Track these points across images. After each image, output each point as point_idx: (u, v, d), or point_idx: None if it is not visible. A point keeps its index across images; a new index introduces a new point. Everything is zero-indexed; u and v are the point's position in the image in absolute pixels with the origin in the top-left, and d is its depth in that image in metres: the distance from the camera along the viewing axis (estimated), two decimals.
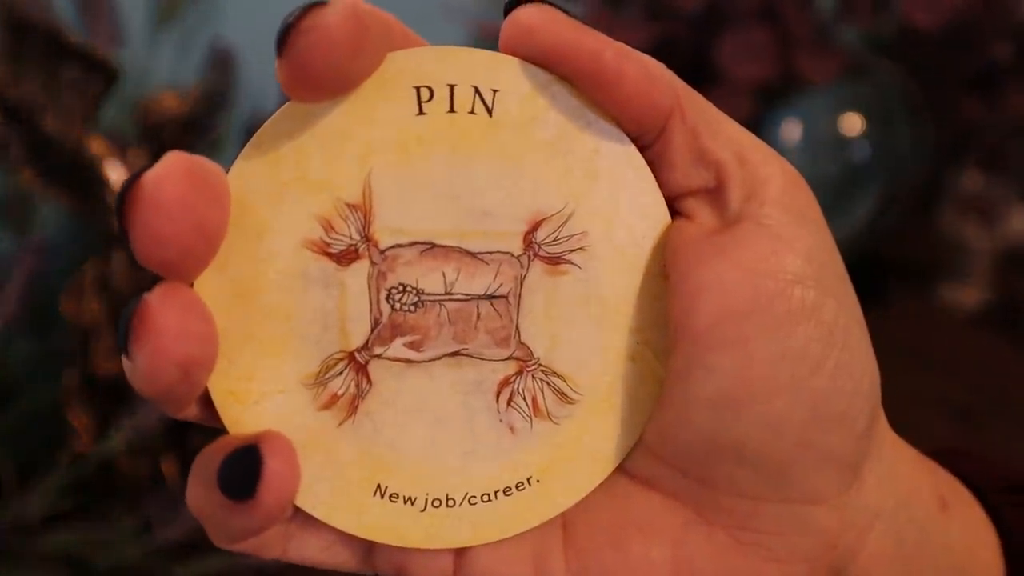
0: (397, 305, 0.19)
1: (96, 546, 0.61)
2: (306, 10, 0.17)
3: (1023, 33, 0.82)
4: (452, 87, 0.19)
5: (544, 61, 0.19)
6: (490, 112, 0.19)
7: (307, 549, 0.20)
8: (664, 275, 0.20)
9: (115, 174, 0.64)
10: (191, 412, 0.20)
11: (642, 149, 0.20)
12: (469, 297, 0.20)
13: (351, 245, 0.19)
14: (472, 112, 0.19)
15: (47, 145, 0.61)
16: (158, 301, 0.17)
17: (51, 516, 0.61)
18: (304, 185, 0.19)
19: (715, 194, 0.20)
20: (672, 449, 0.20)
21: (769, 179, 0.19)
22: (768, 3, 0.79)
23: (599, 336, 0.20)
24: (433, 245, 0.19)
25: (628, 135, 0.20)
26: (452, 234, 0.19)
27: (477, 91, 0.19)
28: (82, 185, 0.63)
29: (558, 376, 0.20)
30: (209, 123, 0.72)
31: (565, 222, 0.20)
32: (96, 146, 0.64)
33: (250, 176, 0.19)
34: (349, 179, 0.19)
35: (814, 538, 0.20)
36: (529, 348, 0.20)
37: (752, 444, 0.19)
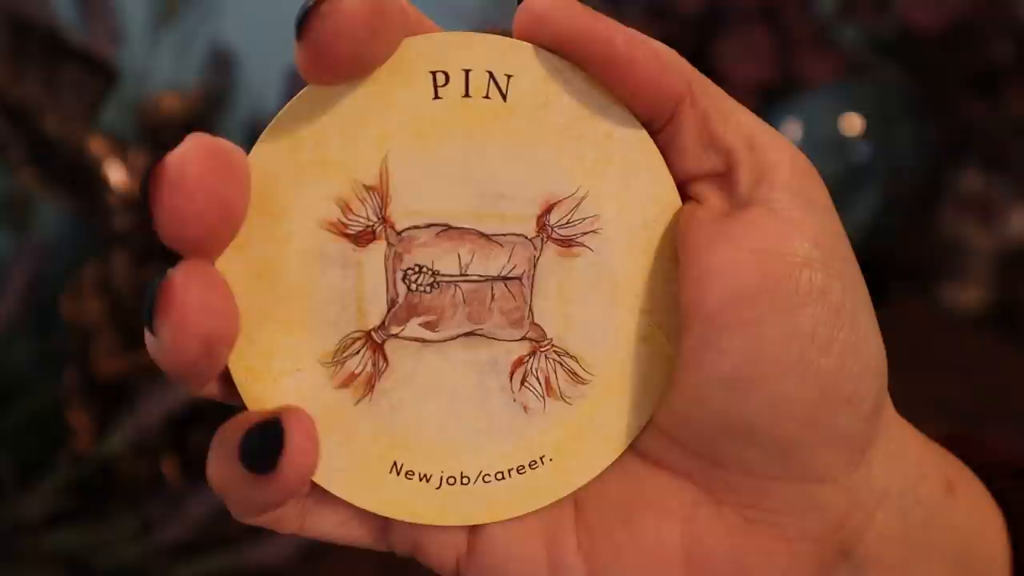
0: (413, 286, 0.20)
1: (96, 546, 0.61)
2: None
3: (1023, 33, 0.82)
4: (467, 72, 0.19)
5: (556, 47, 0.19)
6: (504, 96, 0.19)
7: (323, 524, 0.21)
8: (675, 258, 0.20)
9: (115, 174, 0.64)
10: (212, 389, 0.20)
11: (653, 133, 0.20)
12: (484, 278, 0.20)
13: (368, 226, 0.19)
14: (487, 97, 0.19)
15: (47, 145, 0.61)
16: (181, 277, 0.18)
17: (51, 516, 0.61)
18: (322, 167, 0.19)
19: (724, 178, 0.20)
20: (683, 429, 0.20)
21: (778, 164, 0.20)
22: (768, 3, 0.79)
23: (611, 317, 0.20)
24: (448, 227, 0.20)
25: (639, 120, 0.20)
26: (467, 216, 0.20)
27: (491, 76, 0.19)
28: (82, 185, 0.63)
29: (571, 357, 0.20)
30: (209, 123, 0.72)
31: (578, 205, 0.20)
32: (96, 146, 0.64)
33: (270, 158, 0.19)
34: (367, 161, 0.19)
35: (822, 517, 0.20)
36: (542, 329, 0.20)
37: (761, 423, 0.19)
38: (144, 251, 0.65)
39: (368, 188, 0.19)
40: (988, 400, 0.74)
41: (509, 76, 0.19)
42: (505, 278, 0.20)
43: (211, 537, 0.62)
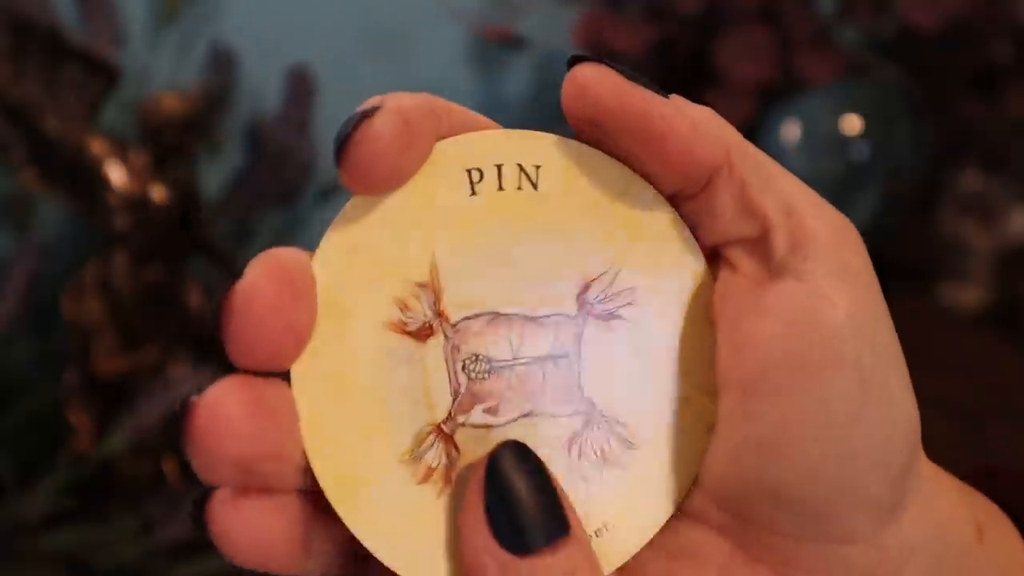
0: (472, 374, 0.21)
1: (96, 546, 0.61)
2: (358, 123, 0.19)
3: (1023, 33, 0.82)
4: (499, 167, 0.21)
5: (597, 117, 0.20)
6: (535, 186, 0.21)
7: None
8: (709, 321, 0.21)
9: (115, 174, 0.64)
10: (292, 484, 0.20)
11: (687, 199, 0.21)
12: (534, 359, 0.21)
13: (426, 322, 0.21)
14: (519, 188, 0.21)
15: (47, 145, 0.61)
16: (212, 396, 0.18)
17: (51, 516, 0.62)
18: (378, 269, 0.20)
19: (759, 244, 0.21)
20: (719, 488, 0.21)
21: (815, 232, 0.20)
22: (768, 3, 0.79)
23: (653, 383, 0.21)
24: (498, 314, 0.21)
25: (671, 188, 0.21)
26: (512, 302, 0.21)
27: (521, 168, 0.21)
28: (82, 185, 0.63)
29: (620, 424, 0.21)
30: (209, 123, 0.72)
31: (613, 281, 0.21)
32: (96, 146, 0.64)
33: (330, 267, 0.20)
34: (417, 260, 0.21)
35: (850, 573, 0.21)
36: (592, 401, 0.21)
37: (791, 487, 0.20)
38: (144, 251, 0.66)
39: (421, 285, 0.21)
40: (988, 400, 0.74)
41: (538, 167, 0.21)
42: (554, 357, 0.21)
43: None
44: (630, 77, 0.20)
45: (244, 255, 0.64)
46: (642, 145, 0.20)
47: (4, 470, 0.63)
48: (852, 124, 0.79)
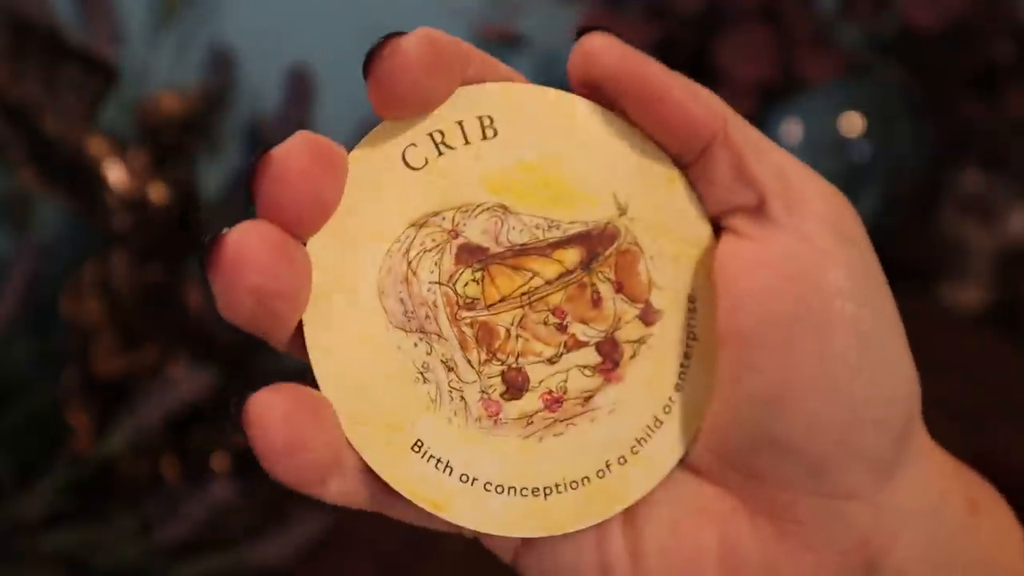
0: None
1: (95, 546, 0.61)
2: (386, 39, 0.19)
3: (1023, 33, 0.82)
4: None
5: (602, 81, 0.21)
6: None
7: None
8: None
9: (114, 174, 0.64)
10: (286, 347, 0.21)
11: (686, 167, 0.22)
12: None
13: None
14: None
15: (47, 145, 0.61)
16: (239, 232, 0.19)
17: (50, 516, 0.62)
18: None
19: (757, 211, 0.21)
20: (722, 443, 0.22)
21: (811, 197, 0.21)
22: (768, 3, 0.79)
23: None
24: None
25: (670, 152, 0.22)
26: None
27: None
28: (81, 185, 0.63)
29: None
30: (209, 123, 0.72)
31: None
32: (96, 146, 0.64)
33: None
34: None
35: (848, 532, 0.21)
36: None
37: (793, 440, 0.20)
38: (144, 251, 0.65)
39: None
40: (988, 400, 0.74)
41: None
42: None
43: (211, 537, 0.62)
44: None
45: None
46: (642, 106, 0.21)
47: (4, 470, 0.63)
48: (852, 124, 0.79)
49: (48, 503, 0.61)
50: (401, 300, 0.21)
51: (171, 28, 0.75)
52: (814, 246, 0.20)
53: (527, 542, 0.22)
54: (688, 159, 0.21)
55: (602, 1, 0.82)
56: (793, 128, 0.79)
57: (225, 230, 0.19)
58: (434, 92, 0.20)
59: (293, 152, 0.19)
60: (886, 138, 0.79)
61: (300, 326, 0.20)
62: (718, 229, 0.22)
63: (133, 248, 0.65)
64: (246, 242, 0.19)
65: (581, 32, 0.21)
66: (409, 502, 0.21)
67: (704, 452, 0.22)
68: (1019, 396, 0.74)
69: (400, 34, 0.20)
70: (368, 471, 0.20)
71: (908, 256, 0.87)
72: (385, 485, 0.20)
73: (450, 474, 0.21)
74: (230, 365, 0.63)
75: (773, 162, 0.21)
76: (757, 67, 0.78)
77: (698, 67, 0.78)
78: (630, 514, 0.22)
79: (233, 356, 0.64)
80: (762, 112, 0.80)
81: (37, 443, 0.66)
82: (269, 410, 0.19)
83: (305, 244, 0.20)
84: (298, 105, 0.72)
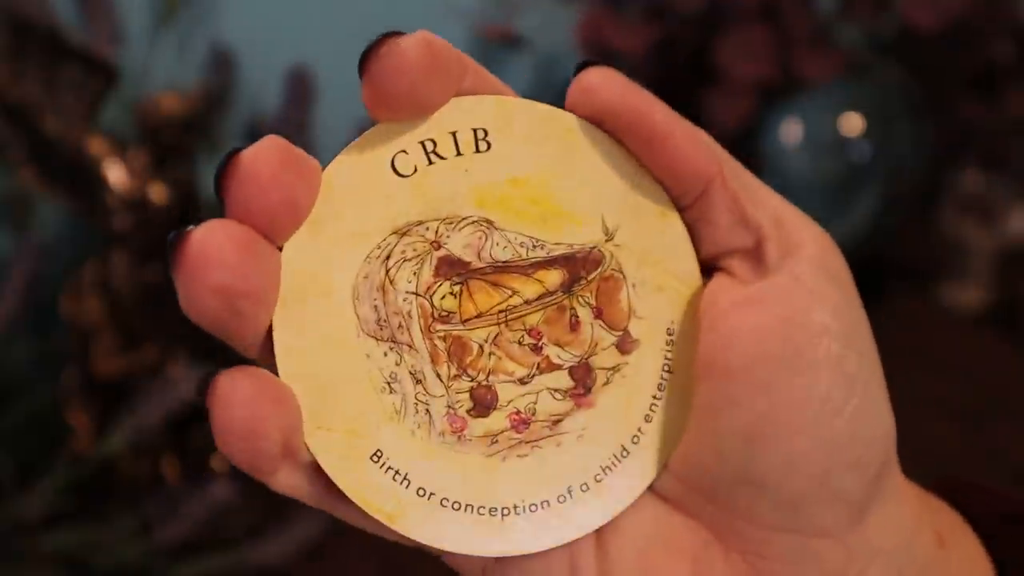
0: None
1: (95, 546, 0.61)
2: (384, 37, 0.19)
3: (1023, 33, 0.82)
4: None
5: (601, 118, 0.21)
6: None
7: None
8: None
9: (115, 174, 0.64)
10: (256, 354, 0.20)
11: (684, 209, 0.22)
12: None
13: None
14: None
15: (47, 145, 0.61)
16: (204, 229, 0.18)
17: (50, 516, 0.62)
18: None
19: (753, 254, 0.21)
20: (700, 476, 0.21)
21: (804, 242, 0.21)
22: (768, 3, 0.79)
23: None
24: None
25: (673, 193, 0.22)
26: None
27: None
28: (81, 185, 0.63)
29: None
30: (209, 123, 0.72)
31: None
32: (96, 146, 0.64)
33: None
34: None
35: (820, 570, 0.21)
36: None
37: (771, 477, 0.21)
38: (143, 251, 0.65)
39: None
40: (988, 400, 0.74)
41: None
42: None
43: (211, 537, 0.62)
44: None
45: None
46: (644, 145, 0.21)
47: (4, 470, 0.63)
48: (852, 124, 0.79)
49: (48, 503, 0.61)
50: (375, 307, 0.20)
51: (171, 28, 0.75)
52: (806, 287, 0.21)
53: (498, 561, 0.22)
54: (685, 201, 0.21)
55: (602, 1, 0.82)
56: (793, 128, 0.79)
57: (191, 227, 0.18)
58: (430, 97, 0.20)
59: (262, 154, 0.19)
60: (886, 138, 0.79)
61: (268, 330, 0.20)
62: (709, 269, 0.22)
63: (133, 248, 0.65)
64: (212, 240, 0.18)
65: (580, 68, 0.21)
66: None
67: (680, 484, 0.22)
68: (1019, 396, 0.74)
69: (399, 34, 0.19)
70: (321, 469, 0.20)
71: (908, 256, 0.87)
72: (335, 485, 0.20)
73: (407, 487, 0.20)
74: (230, 365, 0.63)
75: (769, 206, 0.21)
76: (757, 67, 0.78)
77: (698, 67, 0.78)
78: (602, 541, 0.22)
79: (233, 356, 0.64)
80: (762, 112, 0.80)
81: (37, 443, 0.66)
82: (234, 390, 0.19)
83: (279, 248, 0.20)
84: (298, 105, 0.72)
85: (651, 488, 0.22)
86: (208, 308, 0.19)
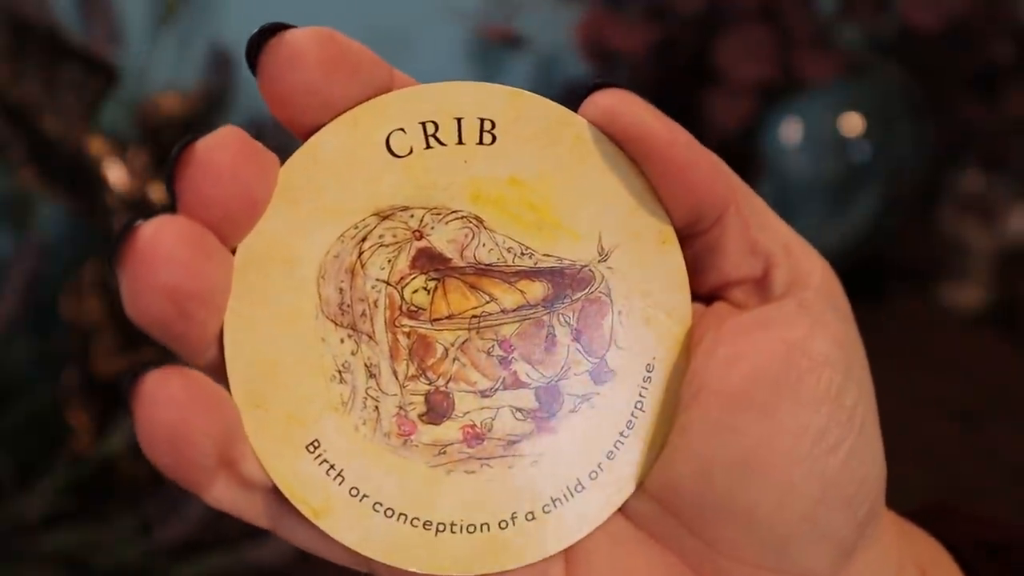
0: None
1: (95, 546, 0.61)
2: (268, 28, 0.18)
3: (1023, 33, 0.82)
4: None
5: (620, 140, 0.20)
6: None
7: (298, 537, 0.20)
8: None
9: (115, 174, 0.64)
10: (205, 361, 0.19)
11: (697, 235, 0.21)
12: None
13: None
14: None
15: (47, 145, 0.61)
16: (155, 225, 0.17)
17: (50, 516, 0.61)
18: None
19: (761, 283, 0.21)
20: (682, 503, 0.20)
21: (811, 271, 0.21)
22: (768, 3, 0.79)
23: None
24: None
25: (682, 220, 0.20)
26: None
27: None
28: (82, 185, 0.63)
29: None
30: (208, 123, 0.72)
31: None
32: (96, 146, 0.64)
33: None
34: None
35: None
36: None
37: (763, 508, 0.20)
38: None
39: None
40: (988, 400, 0.74)
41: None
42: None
43: (211, 537, 0.62)
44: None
45: None
46: (663, 172, 0.20)
47: (4, 470, 0.63)
48: (852, 124, 0.79)
49: (48, 503, 0.61)
50: (340, 290, 0.19)
51: (171, 28, 0.75)
52: (811, 315, 0.20)
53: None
54: (698, 228, 0.21)
55: (602, 1, 0.82)
56: (793, 128, 0.79)
57: (139, 221, 0.17)
58: (339, 92, 0.19)
59: (219, 145, 0.17)
60: (886, 138, 0.79)
61: (218, 339, 0.19)
62: (710, 299, 0.21)
63: None
64: (161, 236, 0.17)
65: (595, 87, 0.20)
66: (305, 526, 0.19)
67: (659, 511, 0.21)
68: (1019, 396, 0.74)
69: (286, 26, 0.18)
70: (266, 486, 0.19)
71: (908, 256, 0.87)
72: (281, 503, 0.19)
73: (340, 483, 0.19)
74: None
75: (779, 234, 0.21)
76: (757, 67, 0.78)
77: (698, 67, 0.78)
78: (571, 565, 0.21)
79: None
80: (762, 112, 0.80)
81: (37, 443, 0.66)
82: (160, 388, 0.17)
83: (231, 250, 0.18)
84: None
85: (628, 515, 0.21)
86: (154, 309, 0.17)
